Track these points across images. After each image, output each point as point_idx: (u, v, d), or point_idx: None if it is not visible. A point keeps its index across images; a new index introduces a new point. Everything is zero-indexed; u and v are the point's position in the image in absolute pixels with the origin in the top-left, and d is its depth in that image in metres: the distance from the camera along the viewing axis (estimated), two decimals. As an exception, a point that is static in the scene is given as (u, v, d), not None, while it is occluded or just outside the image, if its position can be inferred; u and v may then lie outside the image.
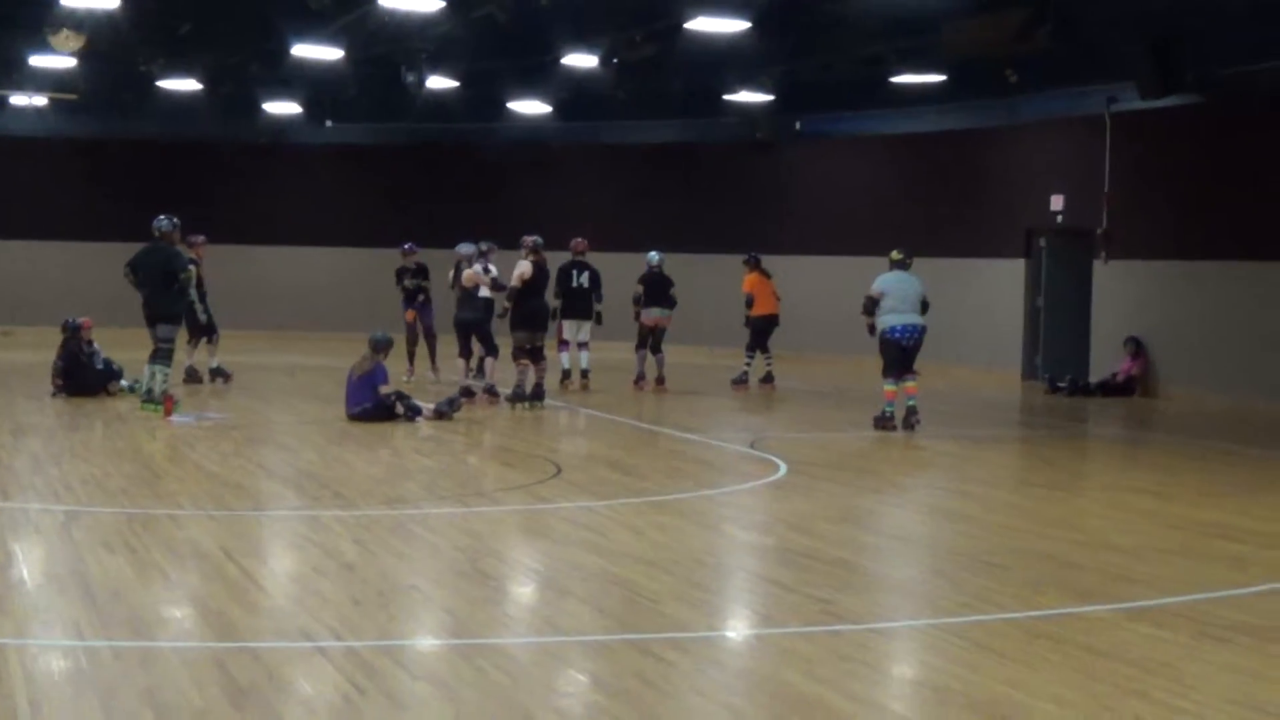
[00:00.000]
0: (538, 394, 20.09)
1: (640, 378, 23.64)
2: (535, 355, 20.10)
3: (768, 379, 24.28)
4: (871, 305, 18.34)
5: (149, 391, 18.54)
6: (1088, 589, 9.51)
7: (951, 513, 12.91)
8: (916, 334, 18.32)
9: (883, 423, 18.35)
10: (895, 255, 18.85)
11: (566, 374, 22.91)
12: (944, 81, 26.08)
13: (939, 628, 8.38)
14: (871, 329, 18.49)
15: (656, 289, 23.62)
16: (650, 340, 23.57)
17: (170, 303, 18.96)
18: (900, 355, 18.28)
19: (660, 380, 23.45)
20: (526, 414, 19.56)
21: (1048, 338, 27.02)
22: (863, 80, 27.08)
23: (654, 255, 23.96)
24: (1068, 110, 26.40)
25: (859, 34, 24.21)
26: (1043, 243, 27.21)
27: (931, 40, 22.98)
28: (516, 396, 19.95)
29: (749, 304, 24.21)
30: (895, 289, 18.38)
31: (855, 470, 15.52)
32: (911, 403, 18.34)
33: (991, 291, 27.83)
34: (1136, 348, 24.69)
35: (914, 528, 12.34)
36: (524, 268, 20.13)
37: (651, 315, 23.49)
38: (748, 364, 24.31)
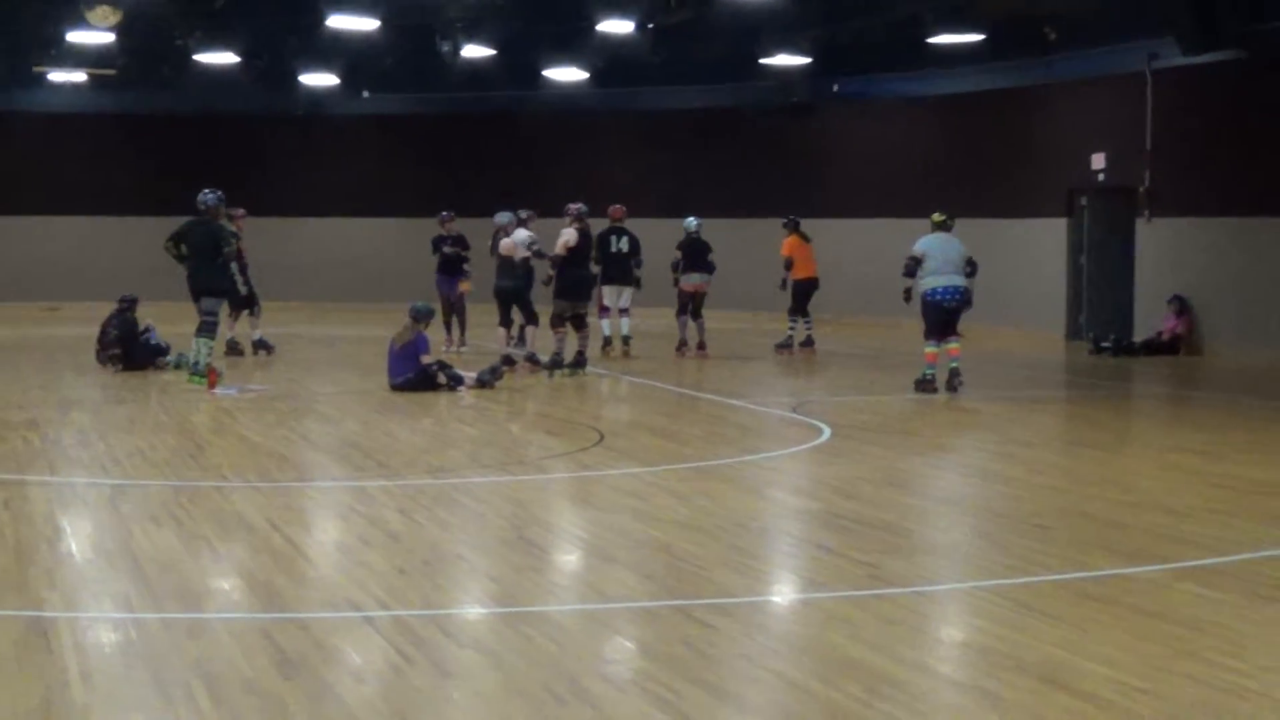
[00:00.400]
0: (579, 361, 20.11)
1: (683, 344, 23.54)
2: (578, 323, 20.16)
3: (808, 343, 24.17)
4: (914, 266, 18.18)
5: (195, 364, 18.63)
6: (1136, 549, 9.47)
7: (996, 474, 12.87)
8: (959, 296, 18.15)
9: (924, 385, 18.19)
10: (937, 217, 18.68)
11: (607, 341, 22.88)
12: (982, 40, 25.90)
13: (986, 590, 8.35)
14: (908, 293, 18.38)
15: (695, 255, 23.48)
16: (690, 306, 23.45)
17: (215, 276, 19.06)
18: (942, 317, 18.13)
19: (701, 346, 23.37)
20: (567, 381, 19.56)
21: (1091, 297, 26.88)
22: (900, 41, 26.97)
23: (691, 221, 23.80)
24: (1108, 68, 26.18)
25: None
26: (1084, 202, 27.05)
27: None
28: (555, 364, 19.96)
29: (787, 267, 24.07)
30: (937, 250, 18.20)
31: (899, 433, 15.47)
32: (954, 365, 18.10)
33: (1034, 252, 27.67)
34: (1180, 306, 24.55)
35: (959, 490, 12.30)
36: (569, 235, 20.16)
37: (691, 281, 23.37)
38: (791, 328, 24.22)
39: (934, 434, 15.88)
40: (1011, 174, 28.16)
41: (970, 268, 18.34)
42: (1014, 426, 16.14)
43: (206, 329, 18.76)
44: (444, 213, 24.47)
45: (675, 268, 23.52)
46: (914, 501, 11.60)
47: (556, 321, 20.11)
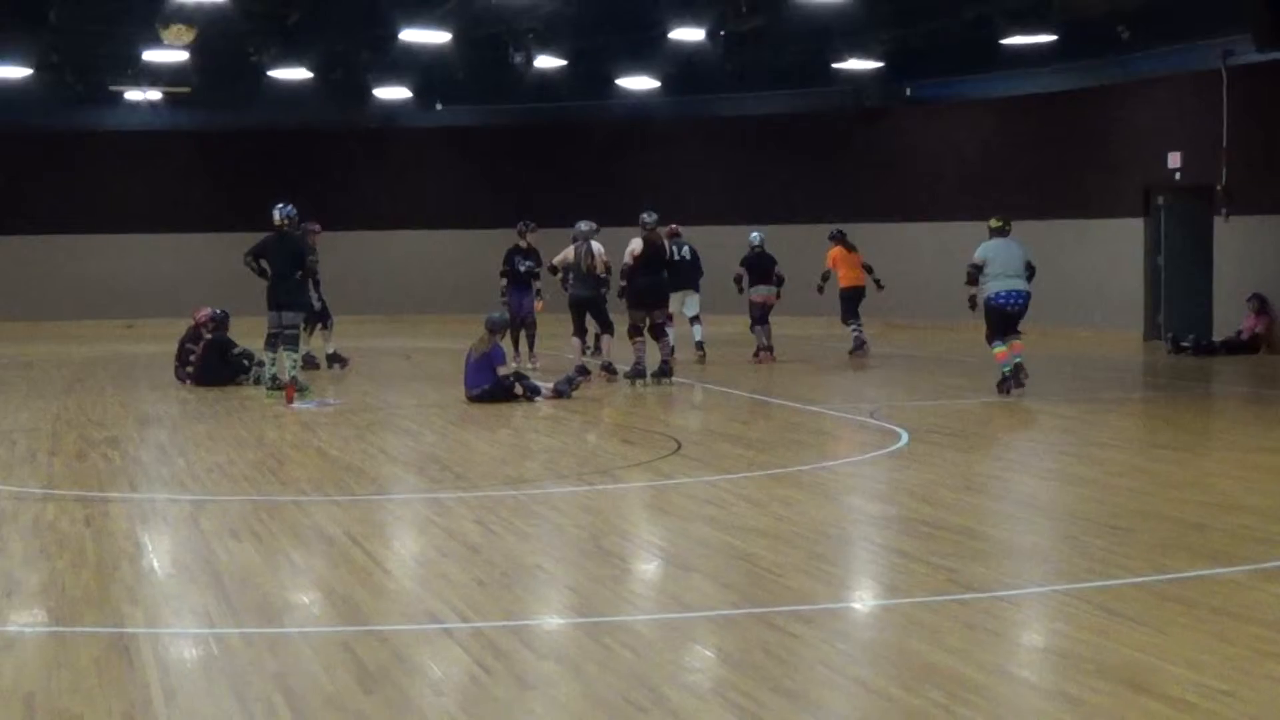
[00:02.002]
0: (664, 370, 20.16)
1: (759, 350, 23.73)
2: (656, 332, 20.24)
3: (858, 346, 24.56)
4: (976, 273, 18.36)
5: (274, 379, 18.80)
6: (1218, 551, 9.38)
7: (1075, 477, 12.78)
8: (1022, 300, 18.31)
9: (1005, 385, 18.28)
10: (994, 223, 18.79)
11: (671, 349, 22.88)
12: (1055, 41, 25.74)
13: (1066, 593, 8.29)
14: (973, 300, 18.49)
15: (759, 269, 23.85)
16: (761, 314, 23.79)
17: (296, 290, 19.21)
18: (1004, 320, 18.32)
19: (770, 350, 23.60)
20: (645, 390, 19.60)
21: (1169, 297, 26.68)
22: (972, 43, 26.84)
23: (755, 235, 24.18)
24: (1182, 65, 26.00)
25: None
26: (1161, 201, 26.85)
27: (1041, 0, 22.72)
28: (635, 373, 20.08)
29: (825, 277, 24.68)
30: (998, 255, 18.37)
31: (977, 437, 15.38)
32: (1019, 359, 18.26)
33: (1110, 252, 27.50)
34: (1260, 304, 24.33)
35: (1038, 493, 12.22)
36: (635, 244, 20.27)
37: (760, 293, 23.78)
38: (855, 332, 24.52)
39: (1012, 437, 15.80)
40: (1087, 174, 28.00)
41: (1029, 271, 18.43)
42: (1092, 428, 16.01)
43: (289, 342, 18.94)
44: (524, 223, 23.60)
45: (737, 281, 23.86)
46: (993, 505, 11.53)
47: (634, 331, 20.26)
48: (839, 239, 24.96)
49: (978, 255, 18.44)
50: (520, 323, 22.77)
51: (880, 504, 11.58)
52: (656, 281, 20.43)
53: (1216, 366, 22.70)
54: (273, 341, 19.01)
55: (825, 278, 24.67)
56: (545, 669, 6.98)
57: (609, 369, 20.59)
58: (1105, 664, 6.85)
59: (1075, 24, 24.67)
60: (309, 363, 22.12)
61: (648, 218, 20.55)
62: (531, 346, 23.06)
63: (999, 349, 18.42)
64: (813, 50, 28.47)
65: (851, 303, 24.66)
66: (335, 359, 22.67)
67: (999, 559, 9.50)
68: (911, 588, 8.61)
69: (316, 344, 22.60)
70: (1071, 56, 27.02)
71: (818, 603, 8.27)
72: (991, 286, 18.28)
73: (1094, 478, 12.62)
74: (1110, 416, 17.20)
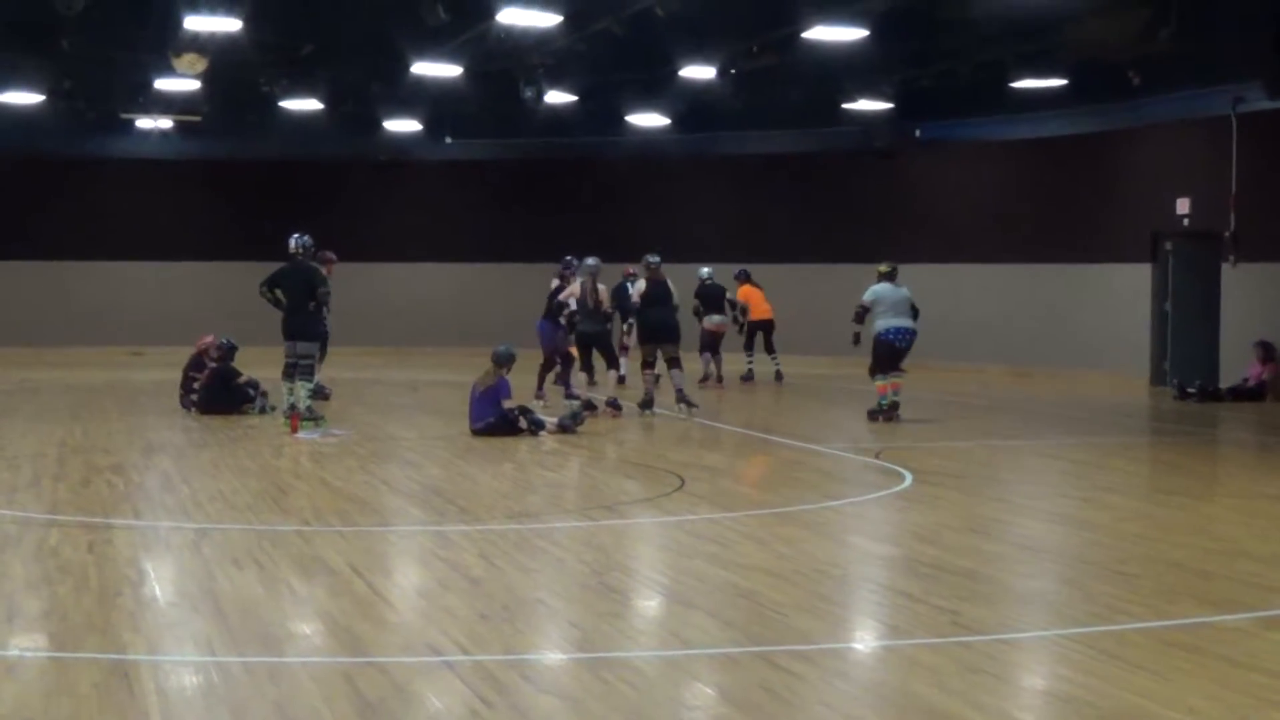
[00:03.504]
0: (682, 398, 21.00)
1: (706, 377, 25.80)
2: (671, 364, 20.95)
3: (777, 378, 26.76)
4: (863, 313, 20.29)
5: (291, 407, 18.81)
6: (1222, 597, 9.36)
7: (1080, 521, 12.75)
8: (909, 337, 20.21)
9: (878, 415, 20.13)
10: (883, 268, 20.61)
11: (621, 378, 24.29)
12: (1065, 85, 25.81)
13: (1069, 638, 8.27)
14: (857, 337, 20.45)
15: (710, 300, 25.97)
16: (713, 343, 26.00)
17: (310, 320, 19.23)
18: (892, 355, 20.15)
19: (720, 378, 25.86)
20: (650, 425, 19.65)
21: (1176, 342, 26.66)
22: (983, 85, 26.91)
23: (705, 270, 26.33)
24: (1192, 111, 26.02)
25: (978, 39, 24.09)
26: (1169, 246, 26.86)
27: (1052, 43, 22.77)
28: (645, 404, 20.80)
29: (744, 312, 26.68)
30: (886, 297, 20.21)
31: (981, 479, 15.36)
32: (895, 398, 20.18)
33: (1117, 296, 27.51)
34: (1266, 351, 24.32)
35: (1042, 537, 12.19)
36: (640, 284, 21.27)
37: (713, 321, 25.97)
38: (750, 363, 26.81)
39: (1016, 480, 15.77)
40: (1095, 218, 28.02)
41: (914, 312, 20.29)
42: (1098, 472, 16.00)
43: (304, 373, 18.98)
44: (570, 259, 22.75)
45: (696, 312, 25.76)
46: (996, 548, 11.50)
47: (645, 365, 21.06)
48: (745, 278, 27.03)
49: (866, 297, 20.28)
50: (554, 361, 22.37)
51: (883, 544, 11.56)
52: (664, 316, 21.11)
53: (1222, 413, 22.69)
54: (289, 371, 19.04)
55: (744, 312, 26.62)
56: (545, 704, 6.96)
57: (614, 405, 20.65)
58: (1107, 709, 6.83)
59: (1086, 68, 24.74)
60: (318, 392, 21.99)
61: (652, 259, 21.52)
62: (558, 380, 22.39)
63: (881, 382, 20.22)
64: (823, 90, 28.56)
65: (755, 335, 26.90)
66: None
67: (1002, 602, 9.47)
68: (914, 629, 8.58)
69: (326, 374, 22.54)
70: (1082, 100, 27.07)
71: (819, 642, 8.25)
72: (881, 324, 20.13)
73: (1098, 522, 12.60)
74: (1115, 461, 17.18)
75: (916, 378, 26.60)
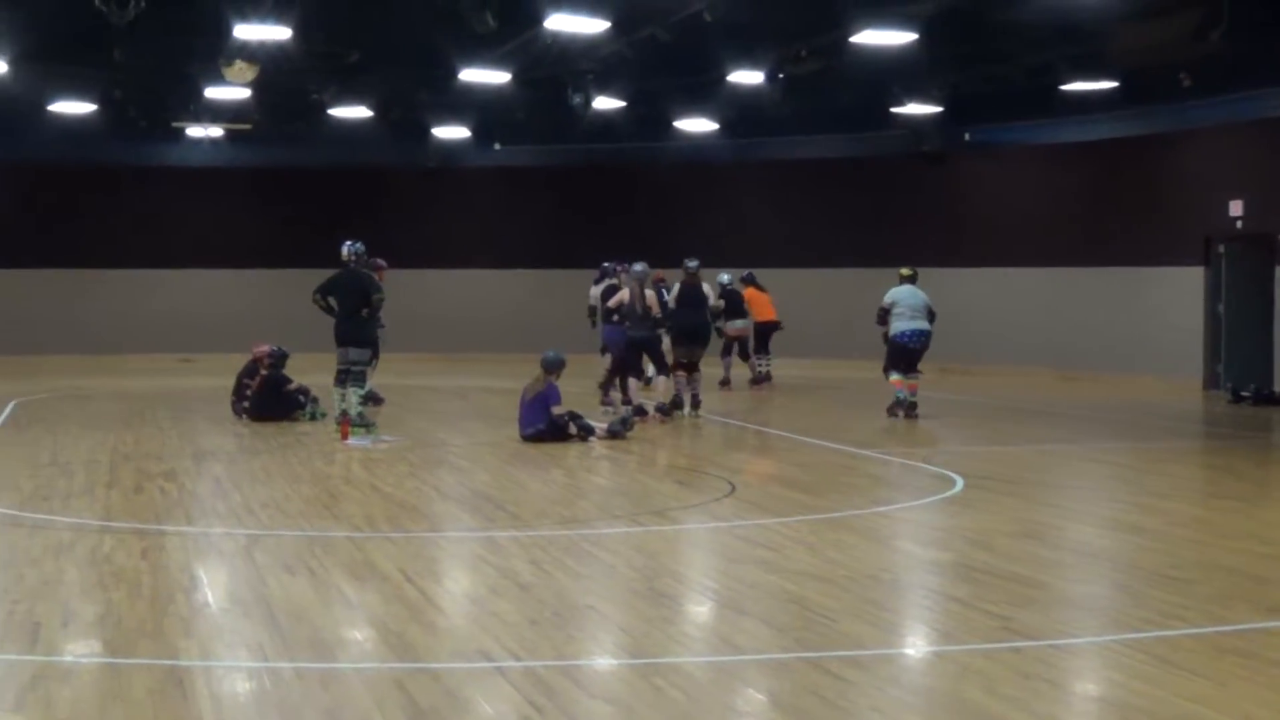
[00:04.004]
0: (695, 403, 21.42)
1: (725, 382, 26.39)
2: (690, 368, 21.43)
3: (763, 379, 27.01)
4: (884, 315, 21.30)
5: (343, 413, 18.86)
6: (1277, 603, 9.29)
7: (1133, 526, 12.67)
8: (923, 338, 21.19)
9: (894, 409, 21.16)
10: (905, 271, 21.58)
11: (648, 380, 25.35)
12: (1116, 88, 25.68)
13: (1122, 644, 8.22)
14: (886, 336, 21.33)
15: (731, 305, 26.27)
16: (736, 347, 26.78)
17: (363, 327, 19.27)
18: (907, 355, 21.17)
19: (758, 381, 26.65)
20: (699, 430, 19.65)
21: (1229, 346, 26.49)
22: (1032, 89, 26.79)
23: (725, 277, 26.67)
24: (1244, 113, 25.86)
25: (1028, 42, 23.99)
26: (1222, 249, 26.70)
27: (1103, 46, 22.66)
28: (674, 405, 21.08)
29: (719, 315, 26.57)
30: (905, 300, 21.19)
31: (1033, 484, 15.29)
32: (913, 399, 21.15)
33: (1170, 299, 27.35)
34: (1321, 354, 24.15)
35: (1094, 542, 12.12)
36: (621, 293, 21.40)
37: (735, 326, 26.72)
38: (763, 366, 27.08)
39: (1068, 485, 15.70)
40: (1147, 221, 27.86)
41: (930, 315, 21.17)
42: (1150, 477, 15.91)
43: (355, 379, 19.03)
44: (607, 265, 24.49)
45: (717, 315, 25.57)
46: (1048, 553, 11.44)
47: (675, 367, 21.43)
48: (751, 281, 27.34)
49: (886, 299, 21.32)
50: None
51: (934, 549, 11.51)
52: (695, 320, 21.64)
53: (1277, 416, 22.53)
54: (341, 378, 19.11)
55: (719, 315, 26.34)
56: (596, 709, 6.96)
57: (663, 410, 20.67)
58: (1161, 716, 6.79)
59: (1136, 71, 24.61)
60: (372, 399, 21.96)
61: (690, 263, 22.04)
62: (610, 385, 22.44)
63: (896, 378, 21.21)
64: (872, 94, 28.49)
65: (764, 338, 27.12)
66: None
67: (1054, 607, 9.43)
68: (965, 634, 8.55)
69: (377, 381, 22.57)
70: (1132, 103, 26.94)
71: (870, 648, 8.23)
72: (898, 326, 21.12)
73: (1151, 527, 12.53)
74: (1169, 465, 17.09)
75: (964, 381, 26.53)
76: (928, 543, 11.88)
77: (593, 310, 24.35)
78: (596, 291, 24.06)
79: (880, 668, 7.85)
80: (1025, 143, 30.84)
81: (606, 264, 24.47)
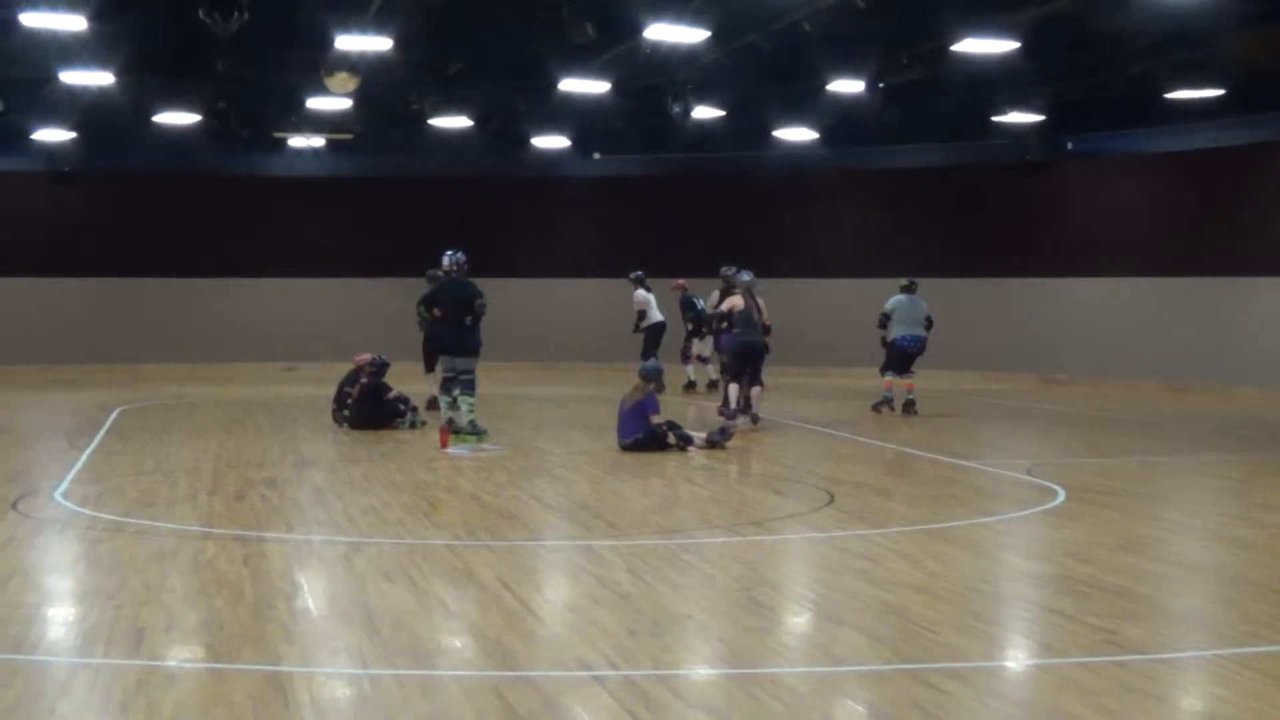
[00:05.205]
0: (747, 410, 21.42)
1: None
2: (753, 379, 21.43)
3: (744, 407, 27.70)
4: (884, 320, 23.38)
5: (450, 422, 18.94)
6: (1386, 618, 9.14)
7: (1238, 539, 12.51)
8: (918, 343, 23.30)
9: (880, 406, 23.41)
10: (903, 282, 23.58)
11: (692, 384, 27.51)
12: (1222, 95, 25.40)
13: (1228, 658, 8.11)
14: (884, 340, 23.37)
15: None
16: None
17: (467, 334, 19.34)
18: (903, 358, 23.33)
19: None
20: (796, 440, 19.59)
21: (1342, 356, 26.14)
22: (1136, 97, 26.56)
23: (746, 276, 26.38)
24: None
25: (1132, 50, 23.78)
26: (1331, 258, 26.36)
27: (1208, 53, 22.43)
28: (731, 414, 21.06)
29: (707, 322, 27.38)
30: (902, 308, 23.35)
31: (1136, 496, 15.13)
32: (911, 397, 23.23)
33: (1276, 310, 27.00)
34: None
35: (1199, 555, 11.98)
36: (733, 300, 21.57)
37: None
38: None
39: (1172, 497, 15.52)
40: (1255, 231, 27.55)
41: (928, 323, 23.27)
42: (1256, 490, 15.70)
43: (465, 387, 19.09)
44: (682, 283, 25.21)
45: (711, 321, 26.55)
46: (1151, 566, 11.31)
47: (734, 377, 21.59)
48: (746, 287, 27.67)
49: (886, 307, 23.41)
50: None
51: (1036, 562, 11.41)
52: (746, 334, 21.36)
53: (1385, 429, 22.18)
54: (448, 386, 19.20)
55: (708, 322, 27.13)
56: (694, 719, 6.94)
57: (754, 420, 20.70)
58: (1268, 731, 6.69)
59: (1243, 78, 24.33)
60: (434, 405, 21.67)
61: (745, 276, 21.88)
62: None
63: (889, 378, 23.43)
64: (973, 103, 28.33)
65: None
66: (435, 405, 22.02)
67: (1158, 621, 9.32)
68: (1067, 647, 8.46)
69: (427, 388, 22.52)
70: (1239, 111, 26.63)
71: (971, 660, 8.16)
72: (896, 330, 23.31)
73: (1257, 540, 12.36)
74: (1275, 478, 16.85)
75: (1067, 392, 26.28)
76: (1029, 554, 11.78)
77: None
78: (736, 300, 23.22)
79: (981, 680, 7.79)
80: (1129, 151, 30.57)
81: (680, 282, 26.04)
